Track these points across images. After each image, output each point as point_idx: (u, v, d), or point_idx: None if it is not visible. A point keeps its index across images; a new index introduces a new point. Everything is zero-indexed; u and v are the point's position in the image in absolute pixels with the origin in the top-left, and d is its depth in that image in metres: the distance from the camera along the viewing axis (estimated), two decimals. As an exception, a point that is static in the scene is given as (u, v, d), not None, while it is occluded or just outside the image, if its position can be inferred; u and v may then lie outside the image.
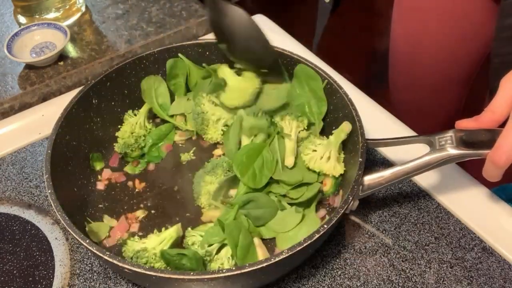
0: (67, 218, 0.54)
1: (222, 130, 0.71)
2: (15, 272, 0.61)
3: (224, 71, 0.70)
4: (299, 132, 0.67)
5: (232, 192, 0.65)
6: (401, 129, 0.75)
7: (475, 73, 1.04)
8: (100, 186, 0.69)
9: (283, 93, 0.69)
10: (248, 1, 2.35)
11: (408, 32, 1.00)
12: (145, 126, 0.73)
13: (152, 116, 0.76)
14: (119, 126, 0.72)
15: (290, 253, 0.50)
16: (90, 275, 0.61)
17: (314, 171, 0.64)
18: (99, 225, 0.64)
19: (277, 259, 0.50)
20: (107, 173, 0.70)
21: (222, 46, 0.70)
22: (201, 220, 0.64)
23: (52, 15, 0.91)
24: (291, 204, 0.64)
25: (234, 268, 0.49)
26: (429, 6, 0.93)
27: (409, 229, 0.64)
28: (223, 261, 0.58)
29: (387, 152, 0.72)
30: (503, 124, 0.53)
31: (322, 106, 0.69)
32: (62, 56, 0.86)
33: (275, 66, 0.69)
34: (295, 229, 0.62)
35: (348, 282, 0.59)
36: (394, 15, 1.03)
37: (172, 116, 0.74)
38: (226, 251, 0.58)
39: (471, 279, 0.59)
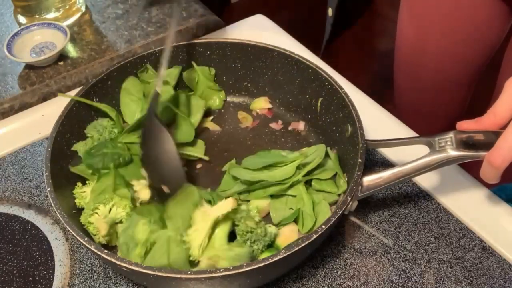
0: (66, 217, 0.54)
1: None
2: (15, 272, 0.62)
3: None
4: None
5: None
6: (402, 130, 0.75)
7: (480, 75, 1.04)
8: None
9: None
10: (247, 1, 2.35)
11: (413, 33, 1.00)
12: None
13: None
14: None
15: (288, 253, 0.50)
16: (90, 275, 0.61)
17: None
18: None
19: (274, 259, 0.50)
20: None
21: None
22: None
23: (52, 15, 0.91)
24: None
25: (231, 268, 0.49)
26: (434, 7, 0.93)
27: (409, 229, 0.64)
28: None
29: (387, 152, 0.72)
30: (505, 127, 0.53)
31: None
32: (62, 56, 0.86)
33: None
34: None
35: (348, 282, 0.59)
36: (400, 17, 1.03)
37: None
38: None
39: (471, 279, 0.59)
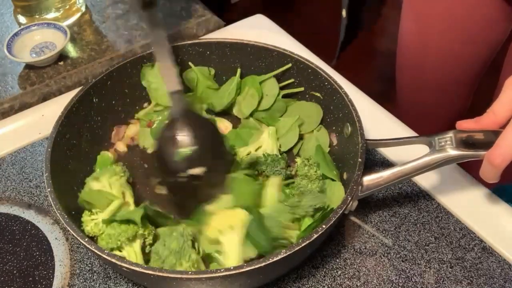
0: (66, 217, 0.54)
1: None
2: (15, 272, 0.62)
3: None
4: None
5: None
6: (402, 130, 0.75)
7: (481, 75, 1.04)
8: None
9: None
10: (247, 1, 2.35)
11: (415, 33, 1.00)
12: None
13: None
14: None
15: (288, 253, 0.50)
16: (90, 275, 0.61)
17: None
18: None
19: (274, 259, 0.50)
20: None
21: None
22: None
23: (52, 15, 0.91)
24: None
25: (232, 268, 0.49)
26: (436, 7, 0.93)
27: (409, 229, 0.64)
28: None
29: (387, 152, 0.72)
30: (504, 126, 0.53)
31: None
32: (62, 56, 0.86)
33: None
34: None
35: (348, 282, 0.59)
36: (402, 17, 1.03)
37: None
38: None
39: (471, 279, 0.59)
